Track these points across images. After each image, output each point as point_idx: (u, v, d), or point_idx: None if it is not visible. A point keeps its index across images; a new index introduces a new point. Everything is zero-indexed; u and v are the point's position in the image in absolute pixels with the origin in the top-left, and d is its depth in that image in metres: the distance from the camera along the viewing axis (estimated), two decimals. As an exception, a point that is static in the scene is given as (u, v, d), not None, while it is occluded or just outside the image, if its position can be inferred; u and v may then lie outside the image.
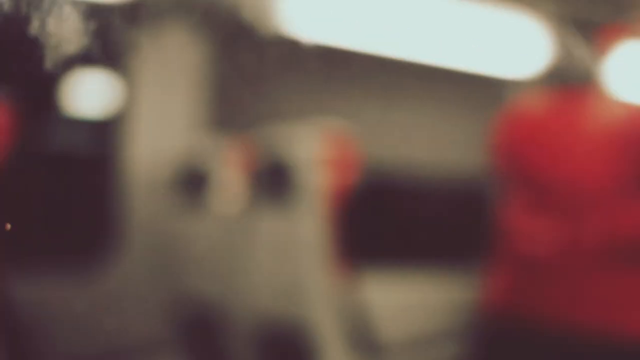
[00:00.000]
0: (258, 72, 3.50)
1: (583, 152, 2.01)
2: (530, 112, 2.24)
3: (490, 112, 3.04)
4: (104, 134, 4.03)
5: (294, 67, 3.59)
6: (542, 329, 2.08)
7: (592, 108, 2.01)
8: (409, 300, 3.70)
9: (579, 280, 2.02)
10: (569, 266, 2.05)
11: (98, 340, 3.12)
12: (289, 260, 2.47)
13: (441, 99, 4.05)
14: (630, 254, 1.91)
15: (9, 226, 1.14)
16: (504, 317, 2.20)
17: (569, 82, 4.07)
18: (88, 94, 4.33)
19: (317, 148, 2.44)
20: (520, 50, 3.91)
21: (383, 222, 4.25)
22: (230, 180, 2.92)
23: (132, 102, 3.33)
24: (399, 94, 3.90)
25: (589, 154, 1.99)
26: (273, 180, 2.63)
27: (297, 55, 3.15)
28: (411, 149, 4.02)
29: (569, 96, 2.14)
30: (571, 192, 2.05)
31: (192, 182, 3.14)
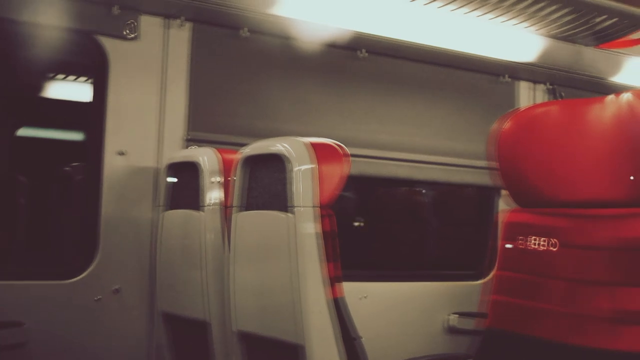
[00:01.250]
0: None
1: (588, 159, 1.97)
2: (534, 112, 2.20)
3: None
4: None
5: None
6: (540, 342, 2.05)
7: (600, 114, 1.96)
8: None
9: (579, 291, 1.98)
10: (569, 274, 2.01)
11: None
12: (282, 263, 2.42)
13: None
14: (633, 266, 1.87)
15: None
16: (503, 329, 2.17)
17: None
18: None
19: (309, 154, 2.39)
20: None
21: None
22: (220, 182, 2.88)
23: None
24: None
25: (595, 160, 1.95)
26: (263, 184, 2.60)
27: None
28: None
29: (576, 101, 2.11)
30: (574, 199, 2.01)
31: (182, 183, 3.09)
